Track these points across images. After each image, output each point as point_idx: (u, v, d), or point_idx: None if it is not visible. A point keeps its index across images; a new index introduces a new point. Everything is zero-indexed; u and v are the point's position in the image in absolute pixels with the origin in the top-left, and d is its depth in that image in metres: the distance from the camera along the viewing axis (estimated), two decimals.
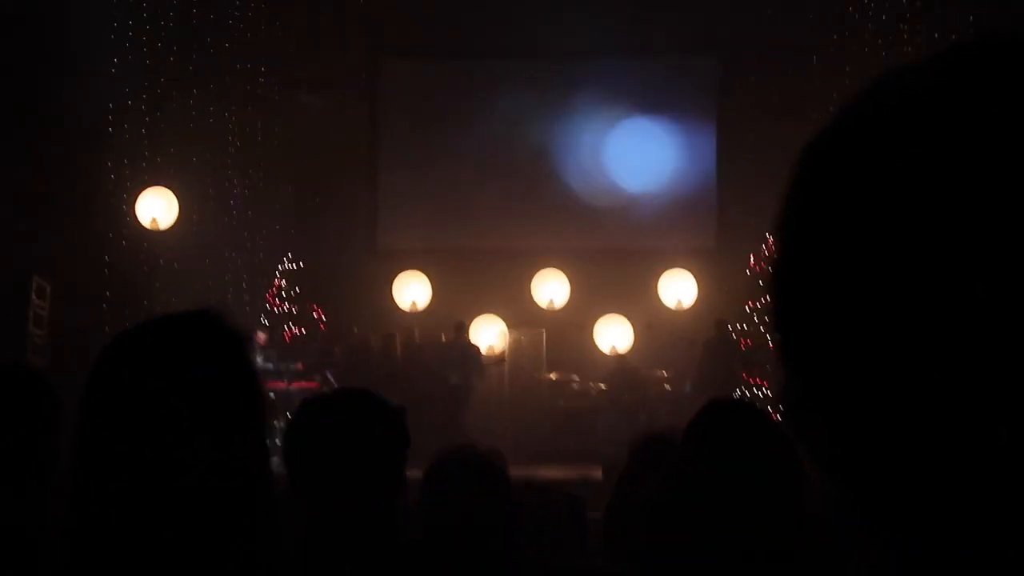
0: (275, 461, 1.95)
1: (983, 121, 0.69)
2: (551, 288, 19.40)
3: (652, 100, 19.79)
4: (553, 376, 18.36)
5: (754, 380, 17.34)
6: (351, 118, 20.14)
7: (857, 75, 17.51)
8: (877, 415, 0.70)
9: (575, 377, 18.33)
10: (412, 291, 19.47)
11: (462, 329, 17.82)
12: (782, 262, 0.76)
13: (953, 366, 0.67)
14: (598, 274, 19.20)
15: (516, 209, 19.67)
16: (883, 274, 0.70)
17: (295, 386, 16.08)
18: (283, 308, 18.84)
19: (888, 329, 0.69)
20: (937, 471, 0.68)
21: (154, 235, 17.95)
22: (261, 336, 17.29)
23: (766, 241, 17.18)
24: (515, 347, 18.93)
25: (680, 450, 2.92)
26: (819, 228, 0.73)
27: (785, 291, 0.76)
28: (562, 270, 19.33)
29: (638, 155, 19.62)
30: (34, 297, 15.95)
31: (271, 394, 14.52)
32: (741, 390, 16.77)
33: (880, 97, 0.74)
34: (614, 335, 19.05)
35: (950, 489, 0.68)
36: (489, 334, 18.99)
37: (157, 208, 17.83)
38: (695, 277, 19.08)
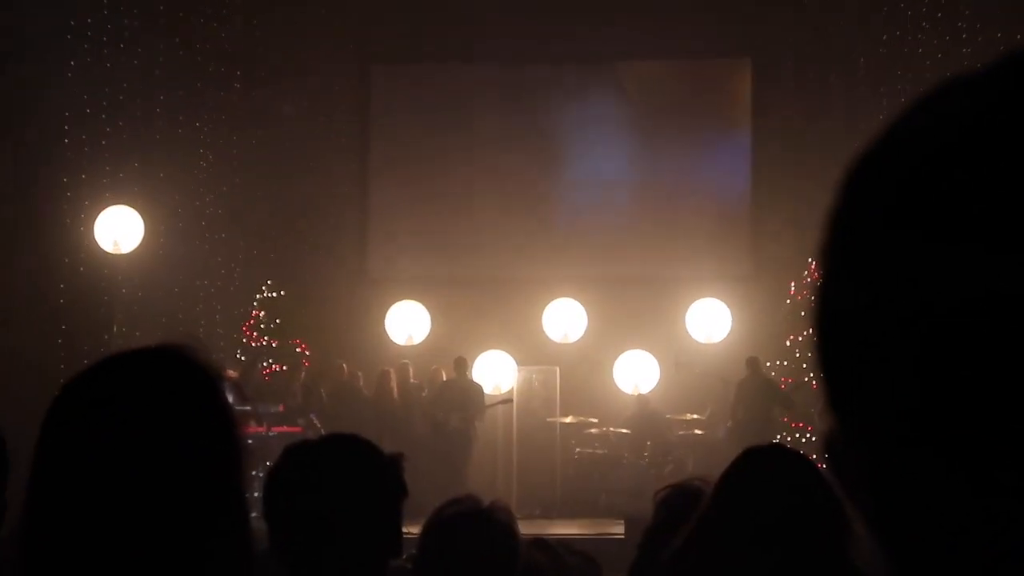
0: (254, 517, 1.95)
1: None
2: (565, 320, 19.39)
3: (678, 108, 19.85)
4: (568, 420, 18.32)
5: (795, 424, 17.30)
6: (339, 129, 20.21)
7: (909, 79, 17.55)
8: (939, 471, 0.69)
9: (593, 420, 18.29)
10: (408, 323, 19.47)
11: (464, 366, 17.81)
12: (828, 291, 0.75)
13: None
14: (619, 304, 19.18)
15: (525, 231, 19.69)
16: (960, 310, 0.67)
17: (275, 431, 16.05)
18: (262, 342, 18.84)
19: (963, 376, 0.67)
20: (1004, 544, 0.67)
21: (115, 260, 17.98)
22: (235, 374, 17.28)
23: (808, 266, 17.18)
24: (524, 387, 18.91)
25: (712, 503, 2.92)
26: (874, 254, 0.71)
27: (831, 325, 0.75)
28: (578, 299, 19.32)
29: (663, 169, 19.66)
30: None
31: (248, 440, 14.48)
32: (781, 435, 16.73)
33: (946, 107, 0.72)
34: (637, 373, 19.01)
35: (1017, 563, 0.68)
36: (495, 372, 18.96)
37: (119, 229, 17.86)
38: (728, 307, 19.06)
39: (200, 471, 1.80)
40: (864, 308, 0.72)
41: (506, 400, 18.44)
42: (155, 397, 1.82)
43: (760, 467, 2.91)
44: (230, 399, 1.93)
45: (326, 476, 2.72)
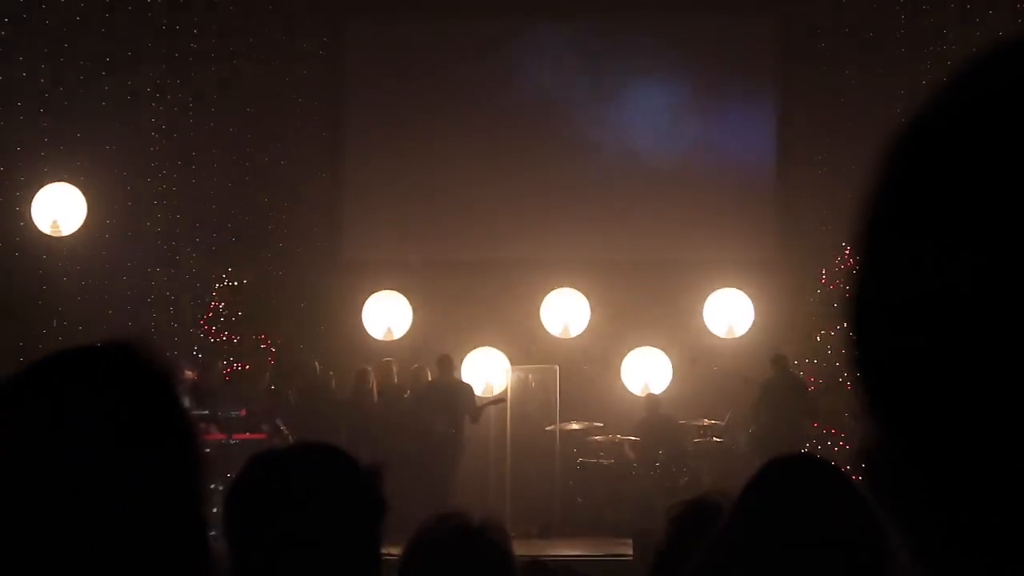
0: (213, 536, 1.95)
1: None
2: (566, 311, 19.39)
3: (695, 69, 19.82)
4: (569, 426, 18.33)
5: (827, 430, 17.32)
6: (308, 93, 20.16)
7: (954, 39, 17.54)
8: (989, 480, 0.68)
9: (597, 426, 18.30)
10: (388, 315, 19.46)
11: (448, 365, 17.80)
12: (866, 280, 0.74)
13: None
14: (627, 293, 19.19)
15: (521, 209, 19.66)
16: (1012, 299, 0.67)
17: (237, 438, 16.06)
18: (221, 337, 18.84)
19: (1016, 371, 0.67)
20: None
21: (55, 243, 17.96)
22: (192, 374, 17.28)
23: (843, 250, 17.18)
24: (520, 388, 18.91)
25: (731, 521, 2.92)
26: (919, 237, 0.71)
27: (869, 318, 0.74)
28: (580, 288, 19.32)
29: (677, 138, 19.63)
30: None
31: (206, 450, 14.48)
32: (810, 444, 16.74)
33: (1000, 74, 0.72)
34: (647, 372, 19.02)
35: None
36: (485, 372, 18.97)
37: (59, 209, 17.85)
38: (750, 297, 19.06)
39: (151, 486, 1.80)
40: (912, 300, 0.71)
41: (499, 400, 18.43)
42: (100, 401, 1.82)
43: (787, 480, 2.91)
44: (186, 403, 1.92)
45: (295, 490, 2.71)
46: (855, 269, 0.74)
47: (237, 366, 18.56)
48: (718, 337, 19.10)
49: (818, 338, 18.00)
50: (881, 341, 0.73)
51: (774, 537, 2.80)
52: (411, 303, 19.45)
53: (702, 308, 19.17)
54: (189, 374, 17.12)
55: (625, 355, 19.08)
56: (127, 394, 1.83)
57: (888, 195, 0.73)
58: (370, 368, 17.94)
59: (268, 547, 2.69)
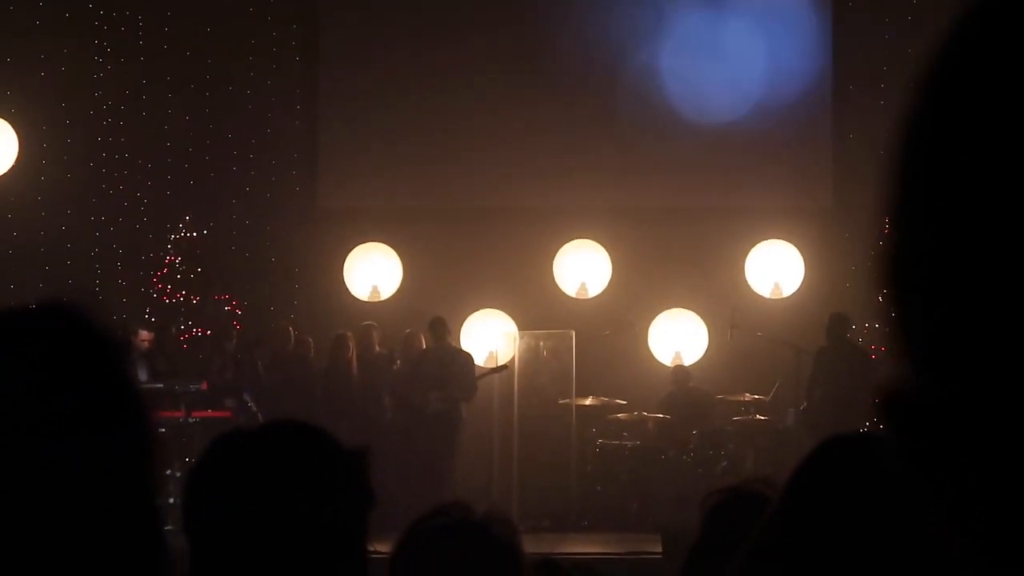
0: (169, 531, 1.95)
1: None
2: (583, 268, 19.41)
3: None
4: (586, 401, 18.37)
5: None
6: (278, 11, 20.11)
7: None
8: None
9: (620, 402, 18.35)
10: (373, 272, 19.49)
11: (442, 329, 17.82)
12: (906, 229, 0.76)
13: None
14: (653, 247, 19.20)
15: (531, 149, 19.66)
16: None
17: (197, 415, 16.12)
18: (178, 298, 18.87)
19: None
20: None
21: None
22: (145, 340, 17.32)
23: None
24: (529, 357, 18.94)
25: (779, 513, 2.93)
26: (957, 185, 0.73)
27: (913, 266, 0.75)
28: (600, 241, 19.34)
29: (711, 63, 19.58)
30: None
31: (161, 429, 14.53)
32: (869, 421, 16.78)
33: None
34: (678, 339, 19.06)
35: None
36: (489, 337, 19.00)
37: None
38: (801, 252, 19.08)
39: (94, 475, 1.80)
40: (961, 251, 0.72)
41: (500, 369, 18.43)
42: (36, 373, 1.82)
43: (843, 464, 2.91)
44: (137, 374, 1.93)
45: (266, 478, 2.72)
46: (891, 221, 0.78)
47: (196, 331, 18.60)
48: (762, 297, 19.13)
49: (880, 299, 17.98)
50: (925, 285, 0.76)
51: (828, 531, 2.80)
52: (401, 258, 19.47)
53: (744, 263, 19.19)
54: (142, 338, 17.19)
55: (652, 319, 19.12)
56: (66, 366, 1.83)
57: (921, 139, 0.76)
58: (349, 334, 17.97)
59: (235, 544, 2.70)
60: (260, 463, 2.75)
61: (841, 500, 2.83)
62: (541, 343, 19.02)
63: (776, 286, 19.16)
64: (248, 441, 2.83)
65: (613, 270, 19.35)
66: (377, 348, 18.16)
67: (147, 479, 1.86)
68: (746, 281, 19.18)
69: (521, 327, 18.98)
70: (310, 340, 18.12)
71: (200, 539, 2.73)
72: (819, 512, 2.83)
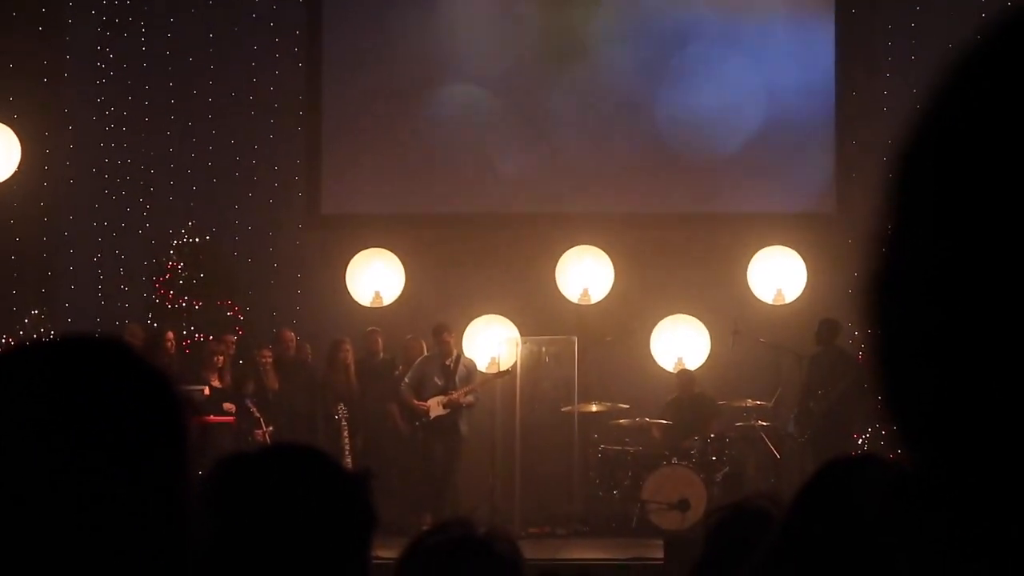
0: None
1: None
2: (586, 274, 19.39)
3: None
4: (589, 407, 18.36)
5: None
6: (282, 15, 20.11)
7: None
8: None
9: (623, 407, 18.34)
10: (375, 278, 19.47)
11: (446, 334, 17.82)
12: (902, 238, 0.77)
13: None
14: (657, 253, 19.18)
15: (532, 154, 19.65)
16: None
17: (199, 421, 16.10)
18: (180, 303, 18.86)
19: None
20: None
21: None
22: (139, 338, 17.30)
23: None
24: (531, 363, 18.93)
25: (783, 533, 2.94)
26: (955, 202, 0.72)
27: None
28: (602, 247, 19.32)
29: (714, 67, 19.57)
30: None
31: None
32: (866, 435, 16.78)
33: None
34: (681, 345, 19.04)
35: None
36: (492, 343, 18.98)
37: None
38: (803, 259, 19.06)
39: (142, 501, 1.83)
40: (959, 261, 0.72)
41: (502, 374, 18.42)
42: (101, 399, 1.84)
43: (845, 486, 2.92)
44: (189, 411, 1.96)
45: (268, 501, 2.72)
46: (888, 227, 0.78)
47: (198, 336, 18.59)
48: (765, 304, 19.11)
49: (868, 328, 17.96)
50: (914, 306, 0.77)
51: (834, 551, 2.81)
52: (403, 264, 19.46)
53: (746, 270, 19.17)
54: (134, 338, 17.16)
55: (655, 325, 19.10)
56: (129, 394, 1.86)
57: (926, 146, 0.77)
58: (346, 340, 17.96)
59: (237, 566, 2.71)
60: (263, 486, 2.75)
61: (844, 521, 2.84)
62: (544, 349, 19.01)
63: (778, 293, 19.13)
64: (251, 464, 2.84)
65: (615, 276, 19.31)
66: (381, 353, 18.17)
67: (183, 514, 1.89)
68: (748, 288, 19.16)
69: (523, 333, 18.96)
70: (307, 346, 18.12)
71: (203, 562, 2.74)
72: (823, 533, 2.84)
